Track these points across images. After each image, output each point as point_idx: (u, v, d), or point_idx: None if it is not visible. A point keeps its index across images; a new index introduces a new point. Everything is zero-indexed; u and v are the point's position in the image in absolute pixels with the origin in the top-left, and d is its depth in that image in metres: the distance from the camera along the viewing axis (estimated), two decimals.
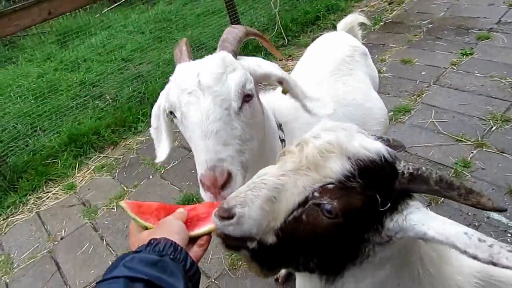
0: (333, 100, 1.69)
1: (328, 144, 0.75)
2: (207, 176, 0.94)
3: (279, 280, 2.21)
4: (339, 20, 2.58)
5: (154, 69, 4.78)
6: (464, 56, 3.85)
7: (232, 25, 1.28)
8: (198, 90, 1.03)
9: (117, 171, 3.48)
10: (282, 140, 1.39)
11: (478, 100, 3.23)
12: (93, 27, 6.00)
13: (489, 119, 2.98)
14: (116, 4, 7.11)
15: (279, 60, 4.69)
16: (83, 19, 6.09)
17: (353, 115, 1.73)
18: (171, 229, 0.80)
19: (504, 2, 4.60)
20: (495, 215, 2.22)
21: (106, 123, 3.98)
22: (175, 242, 0.75)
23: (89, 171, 3.56)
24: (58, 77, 5.04)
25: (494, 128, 2.90)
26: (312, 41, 2.31)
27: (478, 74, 3.55)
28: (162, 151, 1.33)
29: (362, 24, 2.57)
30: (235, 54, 1.17)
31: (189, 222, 0.86)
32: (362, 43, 2.32)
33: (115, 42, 5.77)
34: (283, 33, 5.00)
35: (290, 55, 4.71)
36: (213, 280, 2.33)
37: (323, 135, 0.78)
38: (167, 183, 3.20)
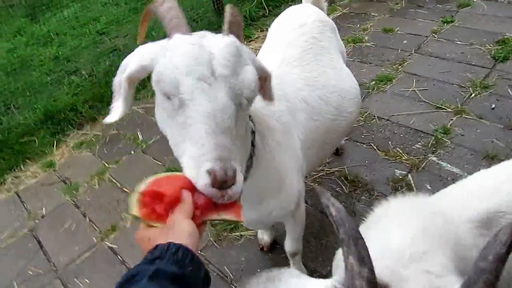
0: (307, 84, 1.63)
1: None
2: (219, 175, 0.88)
3: (264, 249, 2.24)
4: None
5: (131, 42, 4.60)
6: (445, 24, 3.85)
7: (233, 7, 1.12)
8: (210, 77, 0.91)
9: (97, 147, 3.40)
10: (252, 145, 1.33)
11: (458, 67, 3.25)
12: None
13: (468, 86, 3.02)
14: None
15: (260, 31, 4.59)
16: None
17: (329, 98, 1.67)
18: (184, 230, 0.81)
19: None
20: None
21: (83, 98, 3.83)
22: (191, 251, 0.77)
23: (68, 148, 3.46)
24: (30, 52, 4.82)
25: (473, 95, 2.94)
26: None
27: (459, 42, 3.56)
28: (116, 113, 1.18)
29: None
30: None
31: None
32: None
33: (89, 14, 5.53)
34: (264, 3, 4.87)
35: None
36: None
37: None
38: (149, 158, 3.15)
